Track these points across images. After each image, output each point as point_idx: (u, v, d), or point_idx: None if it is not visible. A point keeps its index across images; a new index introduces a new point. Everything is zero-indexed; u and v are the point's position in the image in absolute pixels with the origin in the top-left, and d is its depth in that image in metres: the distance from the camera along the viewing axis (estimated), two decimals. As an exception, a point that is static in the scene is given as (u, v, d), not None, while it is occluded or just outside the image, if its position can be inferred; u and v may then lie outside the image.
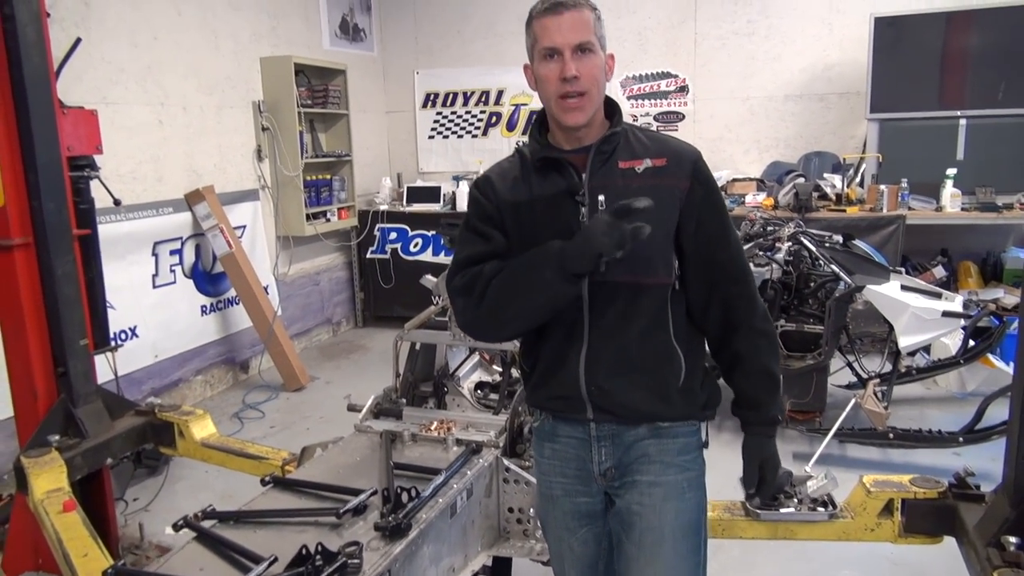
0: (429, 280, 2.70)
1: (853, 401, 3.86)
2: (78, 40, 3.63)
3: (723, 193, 1.74)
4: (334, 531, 1.72)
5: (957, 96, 5.59)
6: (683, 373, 1.67)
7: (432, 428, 2.29)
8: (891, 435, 3.80)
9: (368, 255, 6.85)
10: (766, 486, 1.81)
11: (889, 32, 5.59)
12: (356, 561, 1.54)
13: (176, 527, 1.75)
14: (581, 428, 1.72)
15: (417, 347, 2.76)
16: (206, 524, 1.76)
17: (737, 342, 1.73)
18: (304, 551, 1.52)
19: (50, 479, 2.59)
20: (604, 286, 1.63)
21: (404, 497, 1.77)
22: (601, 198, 1.63)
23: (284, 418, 4.88)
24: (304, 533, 1.70)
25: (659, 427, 1.70)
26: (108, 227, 4.27)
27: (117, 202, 3.52)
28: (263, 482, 1.97)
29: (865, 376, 4.19)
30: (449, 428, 2.28)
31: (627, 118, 1.76)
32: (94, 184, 3.31)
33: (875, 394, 3.95)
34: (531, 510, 2.12)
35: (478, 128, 7.36)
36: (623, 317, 1.64)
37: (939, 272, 5.50)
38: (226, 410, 4.97)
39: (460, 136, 7.44)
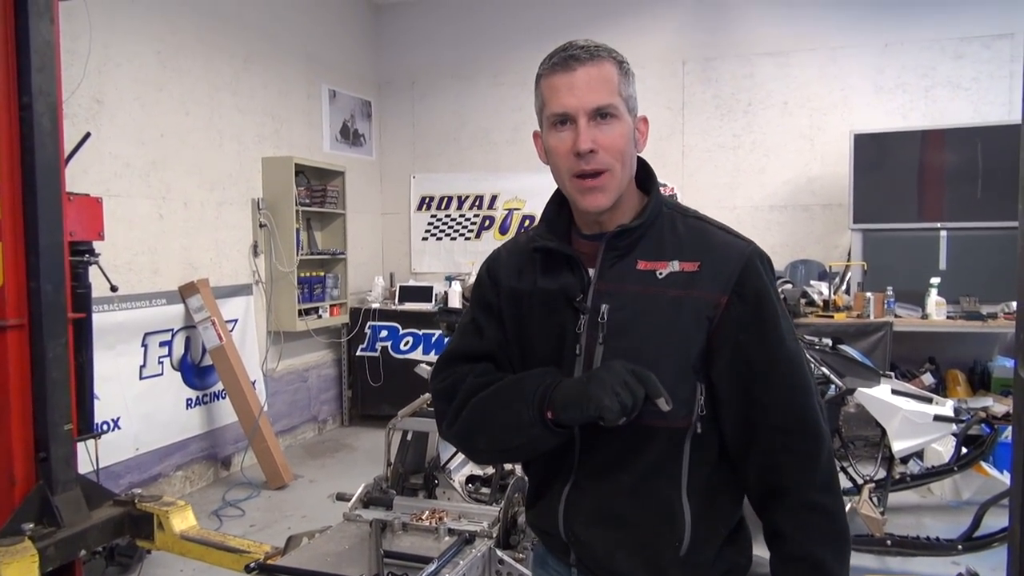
0: (424, 369, 2.69)
1: (848, 506, 3.80)
2: (87, 134, 3.74)
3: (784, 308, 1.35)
4: (321, 619, 1.64)
5: (936, 208, 5.80)
6: (686, 539, 1.28)
7: (423, 517, 2.23)
8: (889, 542, 3.72)
9: (358, 352, 6.83)
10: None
11: (868, 148, 5.85)
12: (344, 649, 1.47)
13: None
14: (567, 570, 1.42)
15: (408, 437, 2.73)
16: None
17: (778, 515, 1.29)
18: (290, 636, 1.45)
19: (20, 569, 2.49)
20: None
21: (395, 584, 1.71)
22: (605, 308, 1.31)
23: (265, 516, 4.72)
24: (289, 621, 1.63)
25: None
26: (101, 316, 4.26)
27: (114, 288, 3.53)
28: (247, 568, 1.90)
29: (860, 481, 4.13)
30: (441, 518, 2.22)
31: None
32: (92, 271, 3.36)
33: (871, 499, 3.89)
34: (524, 606, 2.05)
35: (471, 231, 7.51)
36: (617, 460, 1.31)
37: (928, 379, 5.53)
38: (205, 507, 4.81)
39: (453, 238, 7.58)
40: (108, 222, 3.65)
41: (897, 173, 5.90)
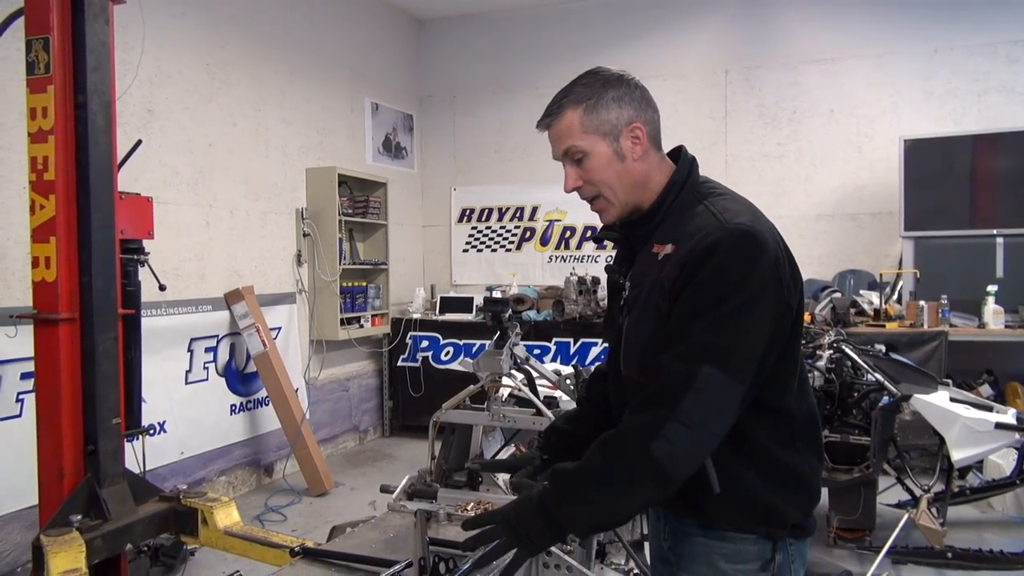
0: (467, 363, 2.66)
1: (906, 517, 3.66)
2: (139, 141, 3.82)
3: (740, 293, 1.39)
4: (366, 601, 1.61)
5: (990, 214, 5.62)
6: (714, 481, 1.42)
7: (469, 508, 2.19)
8: (949, 555, 3.57)
9: (399, 363, 6.84)
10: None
11: (919, 154, 5.71)
12: (391, 628, 1.43)
13: (200, 591, 1.66)
14: None
15: (452, 435, 2.70)
16: (231, 590, 1.66)
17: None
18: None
19: (68, 559, 2.50)
20: (630, 380, 1.54)
21: (441, 567, 1.67)
22: (627, 286, 1.57)
23: (306, 522, 4.72)
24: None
25: (709, 526, 1.51)
26: (149, 320, 4.31)
27: (162, 287, 3.59)
28: (292, 553, 1.87)
29: (919, 492, 3.97)
30: (486, 508, 2.17)
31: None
32: (142, 272, 3.41)
33: (929, 511, 3.74)
34: (572, 599, 1.98)
35: (512, 243, 7.51)
36: None
37: (986, 391, 5.32)
38: (248, 512, 4.82)
39: (494, 250, 7.58)
40: (157, 229, 3.72)
41: (949, 179, 5.74)
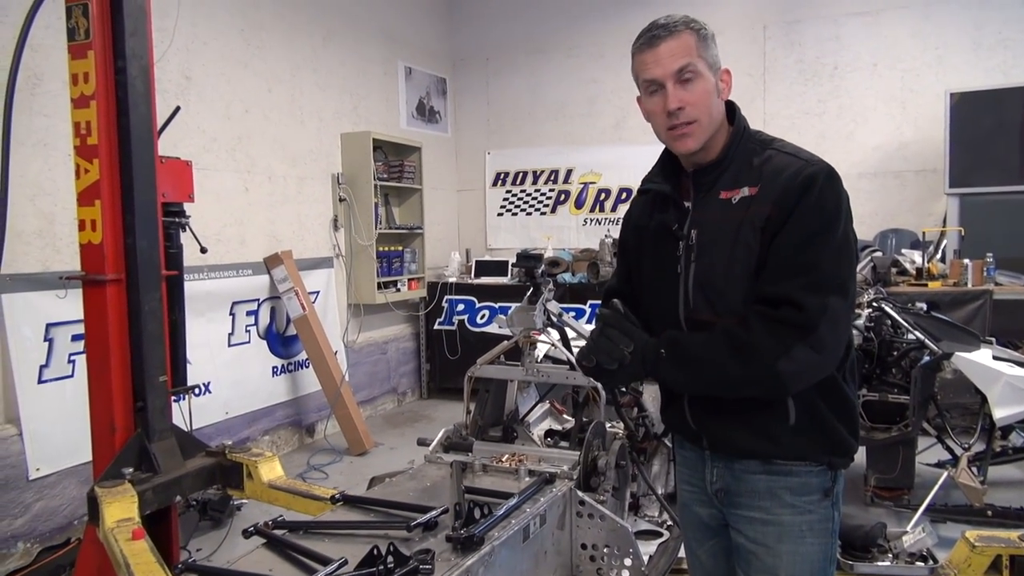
0: (500, 319, 2.68)
1: (945, 476, 3.63)
2: (177, 108, 3.86)
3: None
4: (404, 544, 1.66)
5: (1041, 169, 5.44)
6: (792, 413, 1.54)
7: (503, 460, 2.23)
8: (990, 512, 3.53)
9: (435, 326, 6.91)
10: (584, 352, 1.64)
11: (966, 108, 5.53)
12: (428, 567, 1.48)
13: (246, 534, 1.73)
14: (701, 452, 1.71)
15: (487, 391, 2.74)
16: (276, 533, 1.73)
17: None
18: (375, 551, 1.47)
19: (121, 508, 2.60)
20: (693, 324, 1.60)
21: (476, 513, 1.72)
22: (694, 233, 1.58)
23: (347, 480, 4.83)
24: (373, 543, 1.65)
25: (773, 463, 1.59)
26: (192, 284, 4.42)
27: (203, 249, 3.65)
28: (333, 499, 1.93)
29: (959, 451, 3.93)
30: (521, 460, 2.22)
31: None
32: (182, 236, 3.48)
33: (969, 469, 3.69)
34: (605, 547, 2.02)
35: (547, 205, 7.49)
36: None
37: (1031, 351, 5.20)
38: (291, 471, 4.94)
39: (529, 213, 7.57)
40: (197, 195, 3.79)
41: (997, 134, 5.56)
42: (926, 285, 5.33)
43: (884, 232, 6.18)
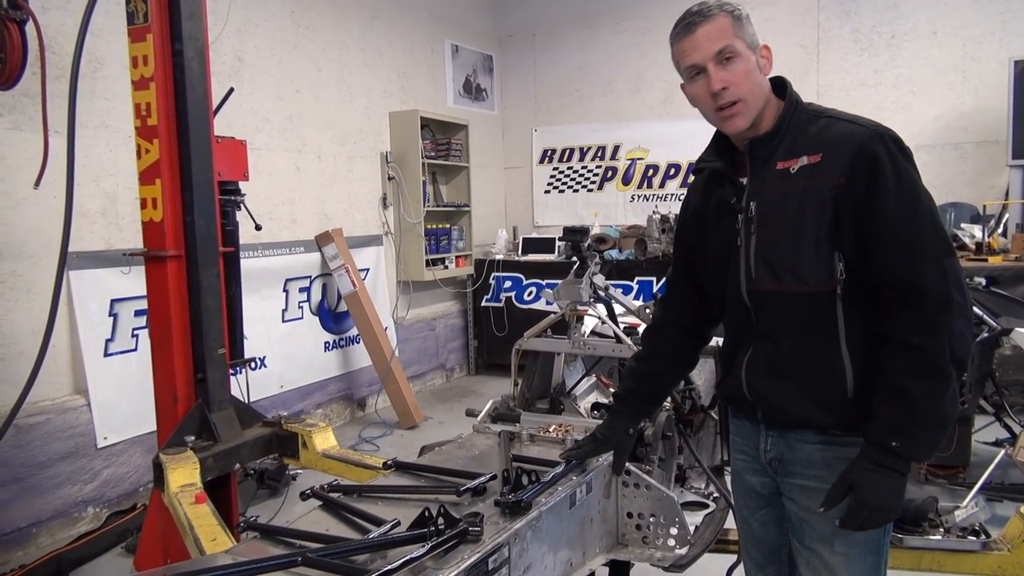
0: (548, 293, 2.71)
1: (1002, 454, 3.54)
2: (231, 89, 3.97)
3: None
4: (454, 508, 1.71)
5: (1112, 139, 5.22)
6: (850, 384, 1.54)
7: (551, 430, 2.27)
8: (1049, 491, 3.45)
9: (483, 303, 6.98)
10: (849, 518, 1.49)
11: (1031, 76, 5.32)
12: (477, 529, 1.53)
13: (303, 496, 1.80)
14: (756, 426, 1.73)
15: (534, 364, 2.77)
16: (332, 496, 1.80)
17: (883, 354, 1.50)
18: (427, 513, 1.52)
19: (185, 474, 2.73)
20: (756, 295, 1.63)
21: (524, 479, 1.76)
22: (752, 205, 1.60)
23: (398, 452, 4.93)
24: (424, 506, 1.71)
25: (830, 434, 1.60)
26: (247, 262, 4.53)
27: (258, 227, 3.76)
28: (385, 465, 2.00)
29: (1017, 429, 3.84)
30: (568, 430, 2.25)
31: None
32: (238, 214, 3.58)
33: (1029, 447, 3.60)
34: (651, 516, 2.05)
35: (593, 183, 7.46)
36: (775, 325, 1.62)
37: (1098, 328, 5.01)
38: (343, 443, 5.00)
39: (576, 190, 7.55)
40: (251, 174, 3.89)
41: (1065, 103, 5.34)
42: (986, 260, 5.18)
43: (943, 206, 5.99)
